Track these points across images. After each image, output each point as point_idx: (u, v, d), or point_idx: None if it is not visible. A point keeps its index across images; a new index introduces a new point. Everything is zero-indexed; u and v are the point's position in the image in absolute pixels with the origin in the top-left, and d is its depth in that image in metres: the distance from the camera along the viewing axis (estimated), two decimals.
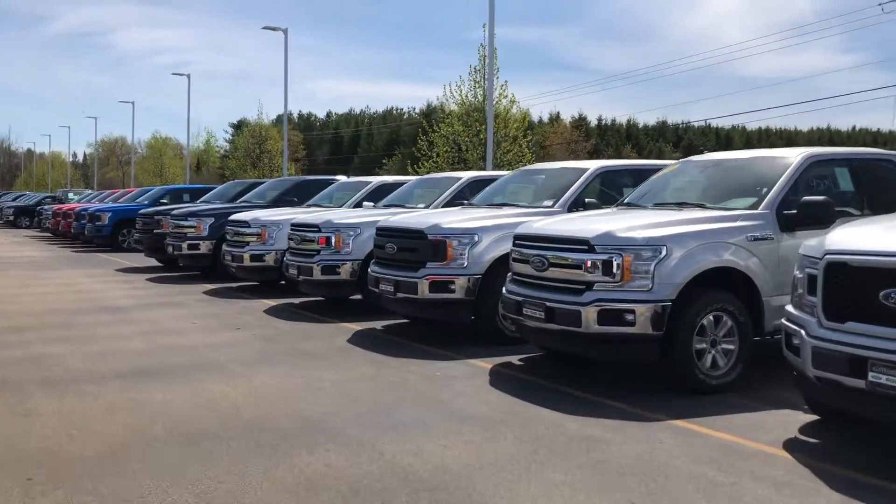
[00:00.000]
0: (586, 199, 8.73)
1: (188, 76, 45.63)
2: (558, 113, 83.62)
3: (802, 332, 4.82)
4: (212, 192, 19.45)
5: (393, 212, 10.79)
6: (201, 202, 18.04)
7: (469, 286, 8.33)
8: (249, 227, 12.92)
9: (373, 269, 9.22)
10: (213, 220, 14.79)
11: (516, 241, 7.21)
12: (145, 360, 7.60)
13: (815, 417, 5.49)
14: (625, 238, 6.24)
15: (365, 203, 12.72)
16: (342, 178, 15.92)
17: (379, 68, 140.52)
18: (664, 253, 6.13)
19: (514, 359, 7.64)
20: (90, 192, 43.69)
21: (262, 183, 18.19)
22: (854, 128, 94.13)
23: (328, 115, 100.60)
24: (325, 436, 5.14)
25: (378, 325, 9.66)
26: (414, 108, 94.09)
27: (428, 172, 28.19)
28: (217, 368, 7.23)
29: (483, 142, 26.75)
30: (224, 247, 13.57)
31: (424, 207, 10.97)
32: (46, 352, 7.99)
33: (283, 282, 12.65)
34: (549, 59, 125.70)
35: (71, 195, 42.41)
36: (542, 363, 7.55)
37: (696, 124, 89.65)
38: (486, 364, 7.41)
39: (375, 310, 9.94)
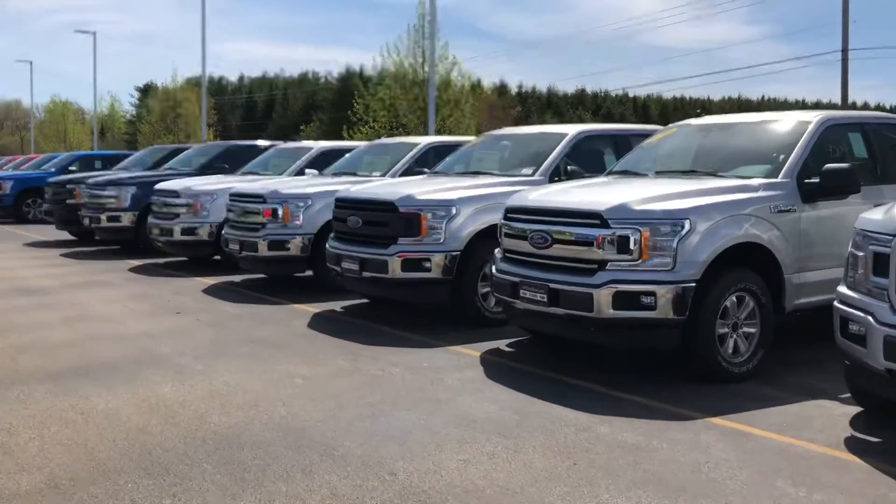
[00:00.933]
0: (569, 167, 8.01)
1: (94, 34, 42.72)
2: (479, 80, 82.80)
3: (870, 318, 4.23)
4: (129, 159, 17.90)
5: (345, 181, 9.85)
6: (119, 170, 16.55)
7: (446, 264, 7.53)
8: (179, 197, 11.62)
9: (332, 245, 8.28)
10: (135, 189, 13.48)
11: (508, 215, 6.42)
12: (77, 355, 6.52)
13: (856, 409, 4.95)
14: (642, 211, 5.53)
15: (308, 171, 11.70)
16: (280, 144, 14.59)
17: (291, 31, 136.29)
18: (687, 227, 5.46)
19: (501, 344, 6.89)
20: None
21: (186, 149, 16.74)
22: (763, 97, 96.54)
23: (240, 78, 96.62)
24: (318, 452, 4.28)
25: (336, 306, 8.75)
26: (331, 73, 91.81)
27: (366, 138, 27.01)
28: (164, 363, 6.22)
29: (423, 107, 25.77)
30: (150, 219, 12.25)
31: (381, 176, 10.06)
32: None
33: (217, 257, 11.56)
34: (463, 25, 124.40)
35: None
36: (533, 349, 6.84)
37: (613, 93, 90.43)
38: (471, 351, 6.65)
39: (327, 289, 9.12)
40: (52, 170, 21.09)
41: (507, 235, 6.40)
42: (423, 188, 7.93)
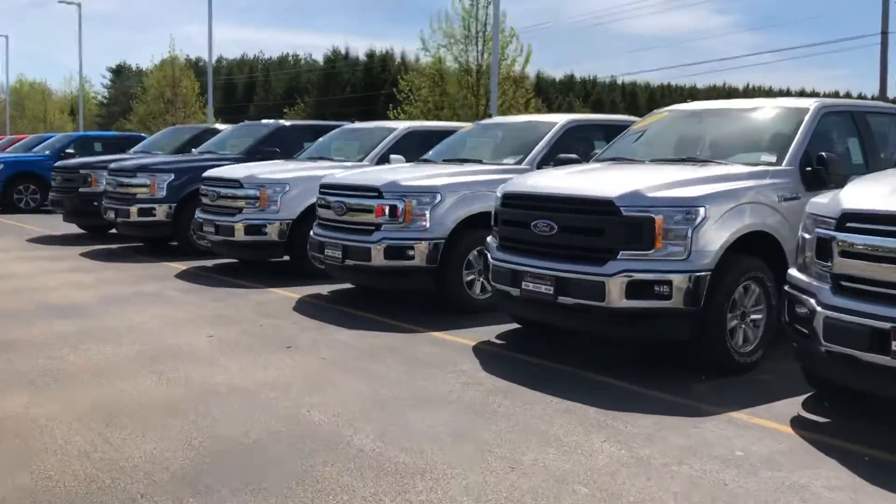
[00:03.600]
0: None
1: (79, 5, 40.37)
2: (467, 61, 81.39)
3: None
4: (147, 142, 15.56)
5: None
6: (139, 153, 13.96)
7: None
8: (242, 187, 9.28)
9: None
10: (172, 176, 11.08)
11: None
12: (209, 445, 4.17)
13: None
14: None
15: (393, 157, 9.80)
16: (348, 125, 11.93)
17: (258, 14, 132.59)
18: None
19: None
20: None
21: (215, 130, 14.32)
22: (749, 85, 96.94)
23: (219, 60, 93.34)
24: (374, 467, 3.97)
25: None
26: (310, 55, 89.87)
27: (410, 118, 26.31)
28: (341, 450, 4.10)
29: (472, 89, 25.12)
30: (198, 214, 9.94)
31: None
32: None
33: (285, 256, 9.56)
34: (433, 6, 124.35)
35: None
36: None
37: (603, 80, 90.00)
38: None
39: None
40: (47, 152, 19.15)
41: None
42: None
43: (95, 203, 12.46)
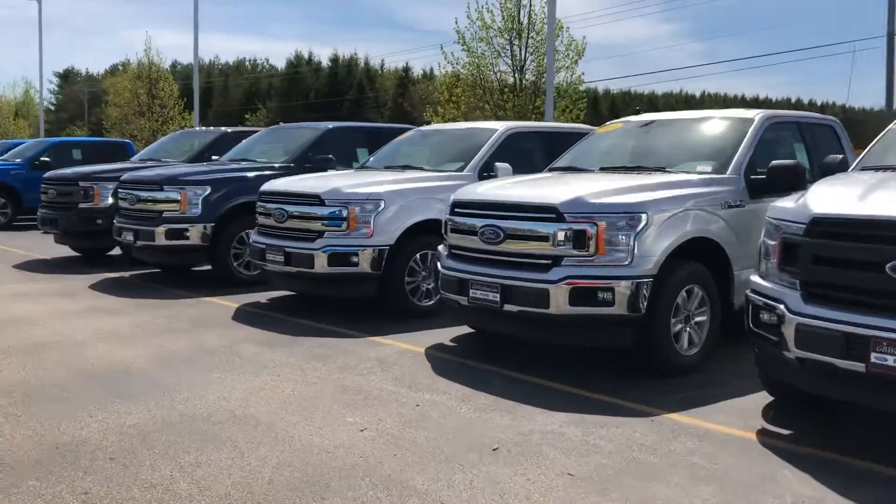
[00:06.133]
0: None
1: (39, 0, 38.00)
2: (432, 69, 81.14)
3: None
4: (152, 148, 13.43)
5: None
6: (151, 161, 11.88)
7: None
8: (323, 205, 7.29)
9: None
10: (207, 189, 9.03)
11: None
12: None
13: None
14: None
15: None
16: (414, 128, 10.07)
17: (212, 21, 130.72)
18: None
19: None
20: None
21: (233, 134, 12.08)
22: (704, 93, 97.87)
23: (174, 64, 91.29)
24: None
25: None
26: (267, 60, 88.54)
27: (442, 120, 24.39)
28: None
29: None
30: (257, 238, 7.85)
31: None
32: None
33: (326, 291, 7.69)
34: (382, 16, 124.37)
35: None
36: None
37: (558, 86, 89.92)
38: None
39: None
40: (18, 161, 17.10)
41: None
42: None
43: (99, 221, 10.69)
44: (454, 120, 24.15)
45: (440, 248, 6.42)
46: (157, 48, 56.04)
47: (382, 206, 7.28)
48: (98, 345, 6.50)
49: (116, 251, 11.38)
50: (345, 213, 7.23)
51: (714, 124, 6.73)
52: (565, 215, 5.34)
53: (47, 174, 12.01)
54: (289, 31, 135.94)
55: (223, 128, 12.94)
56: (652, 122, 7.25)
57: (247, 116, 64.16)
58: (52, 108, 73.93)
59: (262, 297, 8.59)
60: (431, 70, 79.12)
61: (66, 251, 12.17)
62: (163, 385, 5.34)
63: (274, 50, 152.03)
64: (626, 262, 5.26)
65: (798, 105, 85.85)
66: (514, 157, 8.07)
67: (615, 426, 4.57)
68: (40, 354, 6.16)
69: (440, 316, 7.29)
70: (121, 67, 41.50)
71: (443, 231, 6.36)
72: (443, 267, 6.12)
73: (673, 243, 5.40)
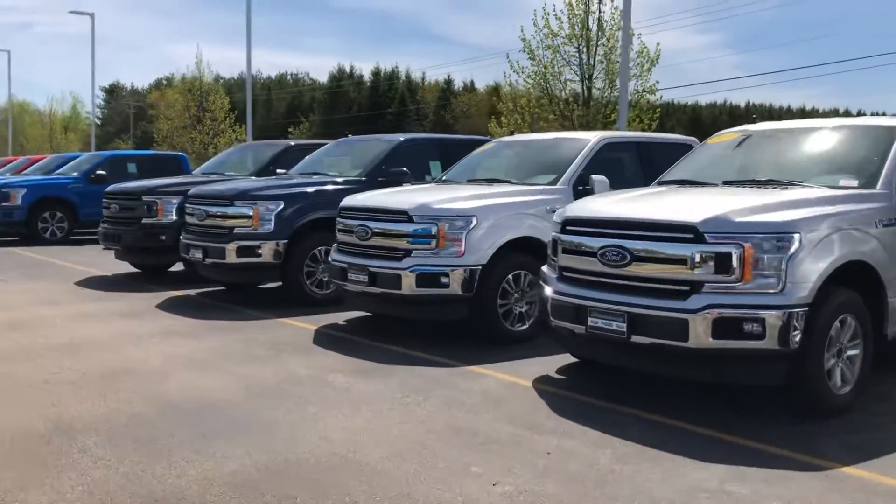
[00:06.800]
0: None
1: (91, 15, 38.10)
2: (472, 81, 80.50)
3: (548, 287, 5.55)
4: (214, 162, 13.04)
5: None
6: (210, 174, 11.68)
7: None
8: (411, 221, 6.78)
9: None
10: (280, 205, 8.54)
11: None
12: None
13: None
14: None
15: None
16: (506, 138, 9.87)
17: (237, 33, 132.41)
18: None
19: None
20: None
21: (301, 147, 11.56)
22: (749, 103, 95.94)
23: (217, 79, 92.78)
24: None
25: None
26: (308, 74, 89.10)
27: (507, 132, 23.51)
28: None
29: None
30: (337, 256, 7.35)
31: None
32: None
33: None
34: (417, 29, 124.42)
35: None
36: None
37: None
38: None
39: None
40: (74, 174, 16.88)
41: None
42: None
43: (162, 237, 10.23)
44: (520, 131, 23.26)
45: (545, 268, 5.84)
46: (207, 61, 56.38)
47: (474, 222, 6.73)
48: (176, 373, 5.97)
49: (177, 267, 10.86)
50: (434, 231, 6.69)
51: (851, 133, 6.06)
52: (705, 235, 4.73)
53: (109, 188, 11.52)
54: (325, 45, 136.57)
55: (288, 140, 12.47)
56: (777, 130, 6.60)
57: (290, 130, 64.33)
58: (99, 122, 75.01)
59: (338, 318, 8.03)
60: (472, 82, 78.92)
61: (125, 267, 11.74)
62: (256, 422, 4.79)
63: (312, 64, 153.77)
64: (777, 290, 4.63)
65: (847, 114, 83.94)
66: (607, 169, 7.48)
67: (782, 481, 3.95)
68: (116, 383, 5.64)
69: (534, 342, 6.75)
70: (165, 81, 41.56)
71: (550, 251, 5.77)
72: (553, 291, 5.53)
73: (829, 267, 4.75)
